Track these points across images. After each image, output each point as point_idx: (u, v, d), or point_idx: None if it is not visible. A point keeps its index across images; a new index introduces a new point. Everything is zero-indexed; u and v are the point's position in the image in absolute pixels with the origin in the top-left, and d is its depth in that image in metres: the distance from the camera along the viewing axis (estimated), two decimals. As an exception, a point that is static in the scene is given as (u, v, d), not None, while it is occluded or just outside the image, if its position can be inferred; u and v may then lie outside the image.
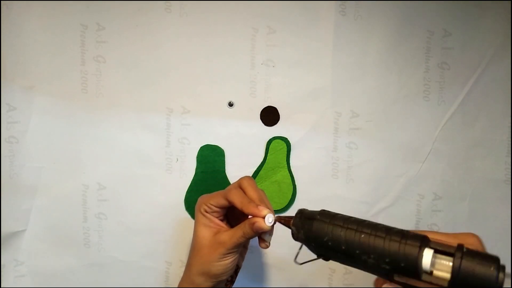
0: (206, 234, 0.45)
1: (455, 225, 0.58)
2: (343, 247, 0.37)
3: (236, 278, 0.48)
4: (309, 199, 0.57)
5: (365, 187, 0.58)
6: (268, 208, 0.42)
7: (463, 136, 0.58)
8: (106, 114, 0.56)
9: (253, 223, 0.42)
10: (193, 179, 0.57)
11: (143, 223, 0.57)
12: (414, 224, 0.58)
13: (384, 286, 0.38)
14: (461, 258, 0.33)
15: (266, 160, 0.57)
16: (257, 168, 0.57)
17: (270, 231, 0.44)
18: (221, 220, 0.46)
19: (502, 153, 0.58)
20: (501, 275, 0.32)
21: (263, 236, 0.44)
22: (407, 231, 0.36)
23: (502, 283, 0.32)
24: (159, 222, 0.57)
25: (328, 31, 0.56)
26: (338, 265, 0.58)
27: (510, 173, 0.58)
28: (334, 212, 0.39)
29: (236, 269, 0.48)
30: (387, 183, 0.58)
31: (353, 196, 0.58)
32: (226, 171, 0.57)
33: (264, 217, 0.41)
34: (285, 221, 0.42)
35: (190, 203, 0.57)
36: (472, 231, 0.58)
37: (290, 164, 0.57)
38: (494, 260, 0.33)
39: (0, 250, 0.55)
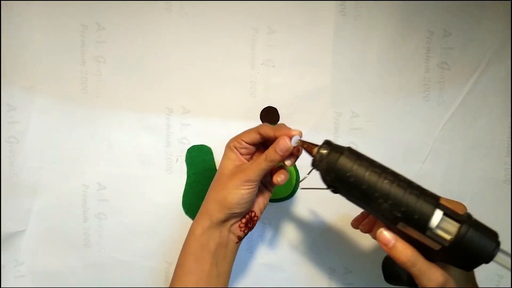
0: (229, 166, 0.46)
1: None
2: (364, 187, 0.39)
3: (252, 227, 0.49)
4: (309, 198, 0.57)
5: (365, 187, 0.58)
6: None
7: (463, 136, 0.58)
8: (106, 114, 0.56)
9: (278, 142, 0.43)
10: (186, 182, 0.57)
11: (143, 223, 0.57)
12: (414, 224, 0.58)
13: (382, 230, 0.40)
14: (470, 226, 0.36)
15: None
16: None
17: (294, 156, 0.45)
18: (247, 160, 0.47)
19: (502, 153, 0.58)
20: (496, 251, 0.36)
21: (286, 161, 0.45)
22: (425, 189, 0.39)
23: (493, 257, 0.36)
24: (159, 222, 0.57)
25: (328, 31, 0.56)
26: (338, 265, 0.59)
27: (510, 173, 0.58)
28: (360, 152, 0.41)
29: (253, 215, 0.48)
30: (387, 183, 0.58)
31: (353, 196, 0.58)
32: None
33: (291, 138, 0.43)
34: (308, 147, 0.43)
35: (189, 206, 0.57)
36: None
37: None
38: (495, 235, 0.37)
39: (0, 250, 0.55)
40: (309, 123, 0.57)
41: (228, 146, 0.47)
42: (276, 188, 0.57)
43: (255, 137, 0.45)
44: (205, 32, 0.55)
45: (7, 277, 0.56)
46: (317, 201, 0.58)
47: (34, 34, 0.54)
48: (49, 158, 0.55)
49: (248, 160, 0.48)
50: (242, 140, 0.46)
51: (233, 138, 0.47)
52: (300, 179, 0.57)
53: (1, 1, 0.53)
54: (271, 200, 0.57)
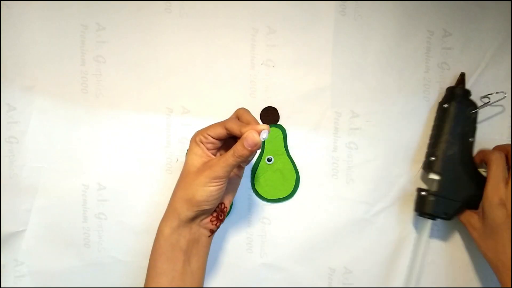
0: (195, 162, 0.45)
1: (455, 225, 0.58)
2: None
3: (223, 219, 0.48)
4: (309, 198, 0.57)
5: (365, 187, 0.58)
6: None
7: (463, 136, 0.58)
8: (106, 114, 0.56)
9: (246, 137, 0.41)
10: None
11: (143, 223, 0.57)
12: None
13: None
14: None
15: (264, 150, 0.57)
16: (257, 160, 0.57)
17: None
18: (213, 155, 0.46)
19: (502, 153, 0.58)
20: None
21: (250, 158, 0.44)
22: None
23: None
24: (159, 222, 0.57)
25: (328, 31, 0.56)
26: (338, 265, 0.58)
27: (510, 173, 0.58)
28: None
29: (223, 207, 0.47)
30: (387, 183, 0.58)
31: (353, 196, 0.58)
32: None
33: (259, 133, 0.41)
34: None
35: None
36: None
37: (289, 150, 0.57)
38: None
39: (0, 250, 0.55)
40: (309, 123, 0.57)
41: (194, 140, 0.45)
42: (276, 188, 0.57)
43: (221, 132, 0.44)
44: (205, 32, 0.55)
45: (7, 277, 0.56)
46: (317, 201, 0.58)
47: (34, 34, 0.54)
48: (49, 158, 0.55)
49: (215, 154, 0.46)
50: (208, 135, 0.44)
51: (198, 131, 0.46)
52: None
53: (1, 1, 0.53)
54: (271, 200, 0.57)
